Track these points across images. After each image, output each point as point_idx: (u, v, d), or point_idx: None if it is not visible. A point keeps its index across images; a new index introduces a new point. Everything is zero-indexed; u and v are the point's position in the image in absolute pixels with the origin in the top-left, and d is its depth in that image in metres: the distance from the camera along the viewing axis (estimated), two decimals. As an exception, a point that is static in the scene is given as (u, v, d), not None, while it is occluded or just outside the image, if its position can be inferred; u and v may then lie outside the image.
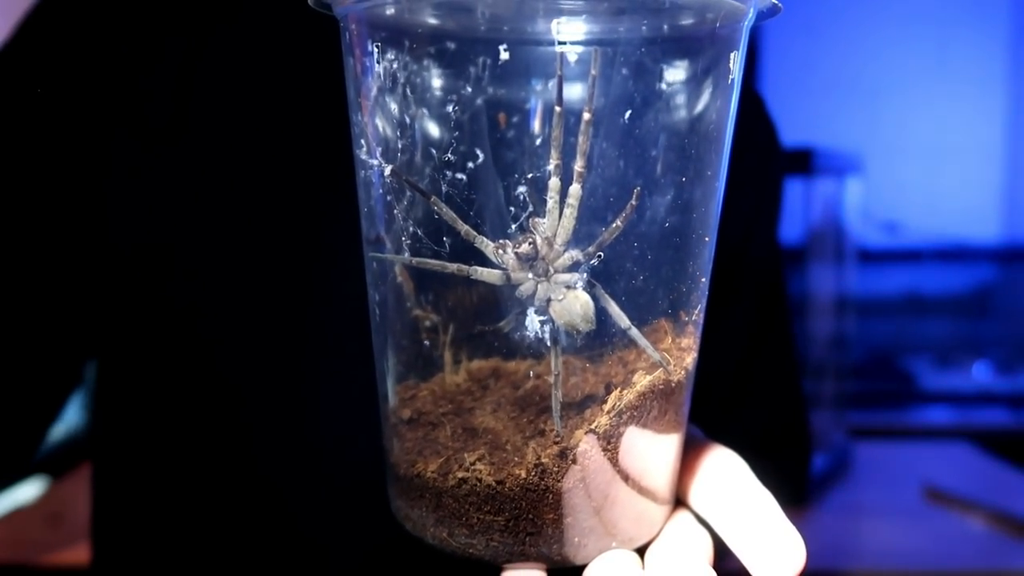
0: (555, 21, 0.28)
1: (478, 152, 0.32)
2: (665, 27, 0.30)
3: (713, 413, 0.61)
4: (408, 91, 0.32)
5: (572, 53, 0.30)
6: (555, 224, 0.30)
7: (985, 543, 1.20)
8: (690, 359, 0.33)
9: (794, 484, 0.72)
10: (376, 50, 0.31)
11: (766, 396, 0.69)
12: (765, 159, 0.65)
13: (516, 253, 0.30)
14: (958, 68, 2.51)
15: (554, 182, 0.30)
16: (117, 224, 0.56)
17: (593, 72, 0.28)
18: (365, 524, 0.55)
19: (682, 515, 0.34)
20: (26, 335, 0.59)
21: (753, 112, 0.64)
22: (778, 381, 0.70)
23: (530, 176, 0.31)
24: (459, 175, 0.32)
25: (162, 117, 0.56)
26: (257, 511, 0.58)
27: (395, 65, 0.31)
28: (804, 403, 0.73)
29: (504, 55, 0.30)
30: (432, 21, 0.32)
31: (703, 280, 0.33)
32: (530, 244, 0.30)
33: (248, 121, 0.56)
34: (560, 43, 0.28)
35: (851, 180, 1.66)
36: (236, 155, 0.56)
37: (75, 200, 0.57)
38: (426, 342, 0.35)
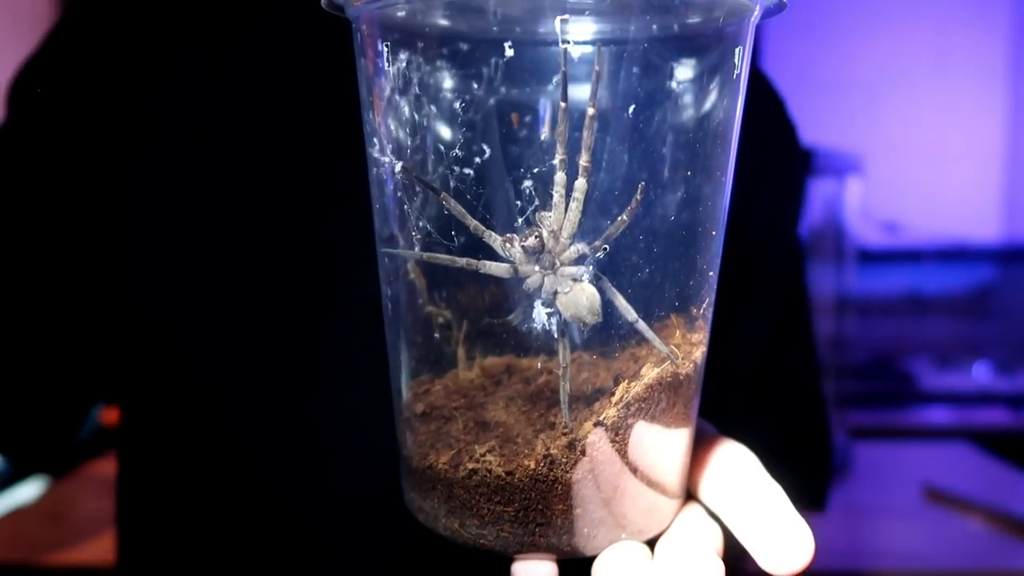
0: (559, 18, 0.29)
1: (486, 148, 0.33)
2: (673, 25, 0.31)
3: (733, 414, 0.61)
4: (418, 90, 0.32)
5: (577, 50, 0.30)
6: (561, 218, 0.31)
7: (985, 543, 1.20)
8: (699, 352, 0.33)
9: (814, 488, 0.71)
10: (386, 50, 0.32)
11: (786, 398, 0.68)
12: (786, 159, 0.65)
13: (523, 247, 0.31)
14: (958, 68, 2.52)
15: (560, 176, 0.30)
16: (134, 230, 0.57)
17: (597, 68, 0.29)
18: (377, 536, 0.55)
19: (692, 508, 0.34)
20: (40, 344, 0.60)
21: (774, 113, 0.64)
22: (798, 383, 0.69)
23: (536, 171, 0.32)
24: (467, 170, 0.32)
25: (180, 123, 0.56)
26: (267, 521, 0.58)
27: (405, 65, 0.32)
28: (824, 405, 0.71)
29: (509, 52, 0.30)
30: (442, 22, 0.32)
31: (711, 274, 0.33)
32: (536, 238, 0.31)
33: (266, 126, 0.56)
34: (564, 41, 0.29)
35: (851, 180, 1.67)
36: (254, 158, 0.56)
37: (92, 205, 0.58)
38: (438, 337, 0.35)
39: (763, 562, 0.31)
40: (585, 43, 0.30)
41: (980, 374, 2.38)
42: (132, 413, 0.63)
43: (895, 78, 2.52)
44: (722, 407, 0.62)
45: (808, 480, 0.70)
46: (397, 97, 0.32)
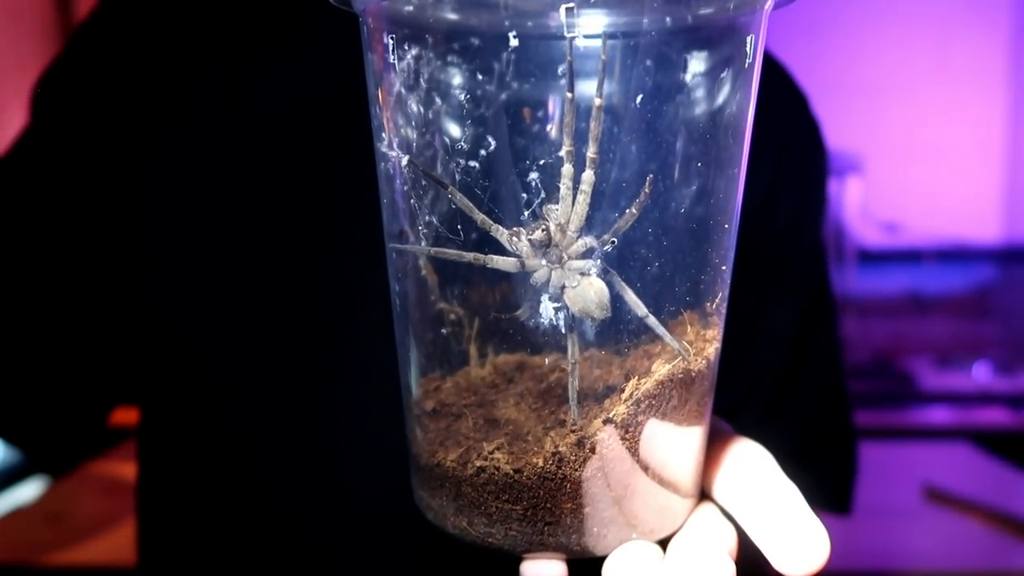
0: (563, 7, 0.28)
1: (493, 141, 0.32)
2: (684, 15, 0.30)
3: (757, 414, 0.61)
4: (425, 84, 0.32)
5: (586, 43, 0.29)
6: (568, 211, 0.30)
7: (985, 543, 1.20)
8: (712, 349, 0.32)
9: (838, 490, 0.69)
10: (392, 43, 0.31)
11: (810, 398, 0.67)
12: (810, 156, 0.65)
13: (530, 240, 0.30)
14: (958, 68, 2.51)
15: (567, 169, 0.30)
16: (153, 228, 0.57)
17: (603, 57, 0.28)
18: (388, 535, 0.55)
19: (706, 508, 0.34)
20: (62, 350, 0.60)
21: (798, 110, 0.64)
22: (822, 383, 0.68)
23: (543, 163, 0.31)
24: (473, 163, 0.31)
25: (198, 124, 0.56)
26: (279, 519, 0.58)
27: (412, 59, 0.31)
28: (849, 406, 0.70)
29: (514, 42, 0.30)
30: (450, 16, 0.32)
31: (724, 269, 0.33)
32: (543, 231, 0.30)
33: (279, 127, 0.56)
34: (570, 31, 0.28)
35: (851, 180, 1.67)
36: (268, 158, 0.56)
37: (113, 205, 0.58)
38: (447, 334, 0.35)
39: (777, 563, 0.30)
40: (594, 36, 0.29)
41: (980, 374, 2.38)
42: (150, 412, 0.62)
43: (896, 78, 2.52)
44: (746, 407, 0.62)
45: (832, 481, 0.68)
46: (404, 91, 0.32)
